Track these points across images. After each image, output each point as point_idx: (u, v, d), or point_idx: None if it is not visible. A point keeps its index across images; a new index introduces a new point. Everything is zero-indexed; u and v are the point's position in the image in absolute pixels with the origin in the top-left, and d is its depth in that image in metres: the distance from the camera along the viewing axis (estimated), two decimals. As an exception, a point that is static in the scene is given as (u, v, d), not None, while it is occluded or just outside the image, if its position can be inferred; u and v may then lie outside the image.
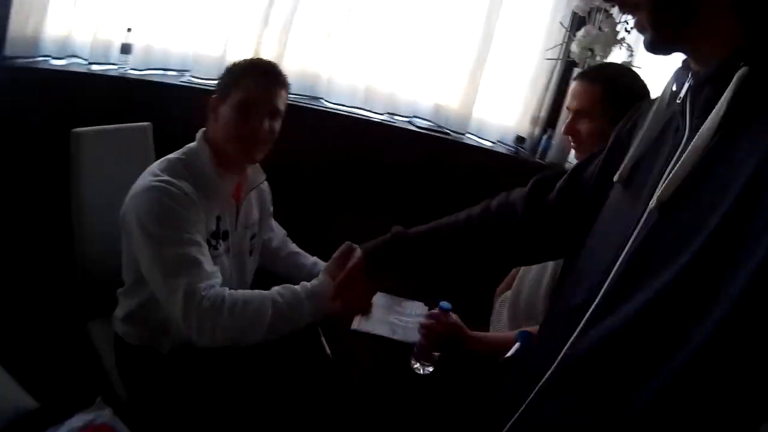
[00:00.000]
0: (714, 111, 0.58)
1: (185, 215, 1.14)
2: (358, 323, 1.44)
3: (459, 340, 1.34)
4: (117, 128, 1.62)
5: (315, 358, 1.27)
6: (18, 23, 1.89)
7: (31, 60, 1.98)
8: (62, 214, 1.50)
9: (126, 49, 2.08)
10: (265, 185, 1.50)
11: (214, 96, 1.28)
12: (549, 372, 0.72)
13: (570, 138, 1.43)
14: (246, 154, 1.26)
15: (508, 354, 1.04)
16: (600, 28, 2.23)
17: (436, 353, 1.32)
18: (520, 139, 2.51)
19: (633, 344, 0.62)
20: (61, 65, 2.05)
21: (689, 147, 0.60)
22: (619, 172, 0.75)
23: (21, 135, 1.92)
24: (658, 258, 0.61)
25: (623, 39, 2.26)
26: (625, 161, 0.75)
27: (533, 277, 1.53)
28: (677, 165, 0.61)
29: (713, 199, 0.56)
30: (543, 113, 2.54)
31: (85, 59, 2.08)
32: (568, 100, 1.42)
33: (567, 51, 2.36)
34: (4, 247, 1.92)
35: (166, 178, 1.15)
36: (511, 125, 2.56)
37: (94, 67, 2.09)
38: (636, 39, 2.43)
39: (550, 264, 1.46)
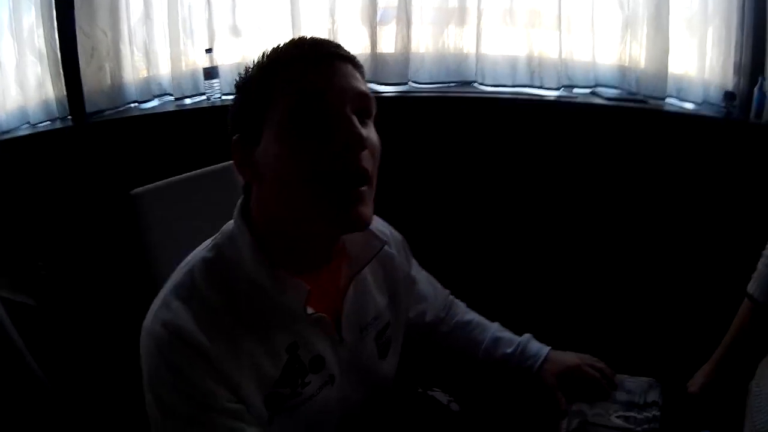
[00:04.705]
0: None
1: (202, 386, 0.63)
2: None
3: None
4: (192, 176, 1.29)
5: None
6: (91, 75, 1.71)
7: (117, 110, 1.79)
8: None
9: (211, 74, 1.78)
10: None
11: (235, 140, 0.67)
12: None
13: None
14: (347, 209, 0.62)
15: None
16: None
17: None
18: (730, 96, 1.73)
19: None
20: (151, 107, 1.83)
21: None
22: None
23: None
24: None
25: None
26: None
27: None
28: None
29: None
30: (745, 58, 1.75)
31: (172, 95, 1.84)
32: None
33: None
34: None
35: (176, 320, 0.64)
36: (715, 79, 1.79)
37: (187, 101, 1.84)
38: None
39: None
